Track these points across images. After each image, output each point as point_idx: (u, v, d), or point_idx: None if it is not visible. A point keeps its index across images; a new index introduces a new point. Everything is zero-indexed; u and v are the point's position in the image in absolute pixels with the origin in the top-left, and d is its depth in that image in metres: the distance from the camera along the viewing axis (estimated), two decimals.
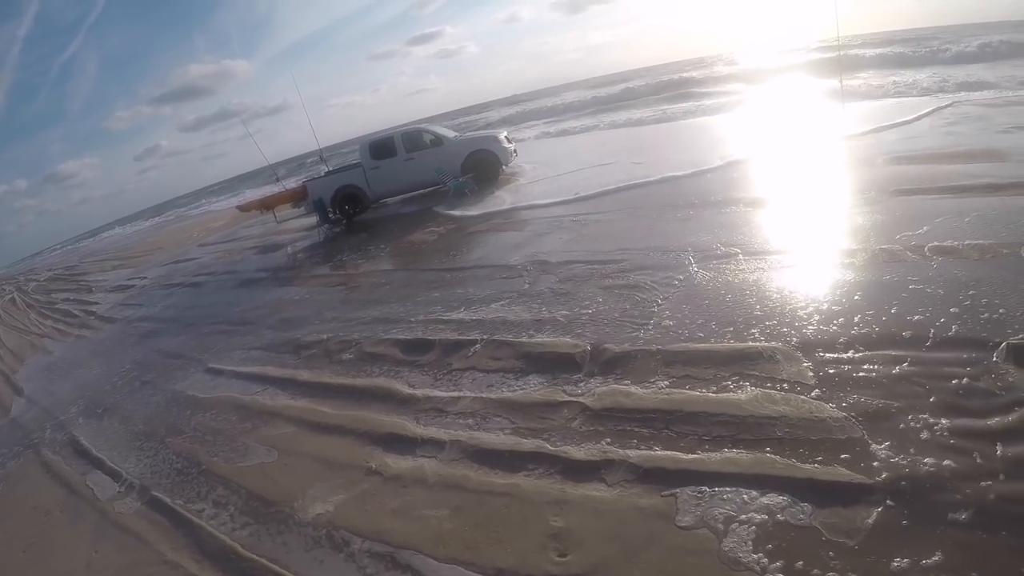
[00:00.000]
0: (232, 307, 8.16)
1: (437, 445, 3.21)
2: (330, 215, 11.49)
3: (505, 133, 11.66)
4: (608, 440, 2.66)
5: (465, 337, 4.33)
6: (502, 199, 9.16)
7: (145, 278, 14.23)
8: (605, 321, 3.88)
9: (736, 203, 5.74)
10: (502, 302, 4.85)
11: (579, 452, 2.63)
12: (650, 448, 2.53)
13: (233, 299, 8.64)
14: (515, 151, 11.37)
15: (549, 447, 2.74)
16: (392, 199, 12.45)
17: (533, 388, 3.39)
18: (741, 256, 4.32)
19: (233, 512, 3.40)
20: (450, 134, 11.74)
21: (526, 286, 5.04)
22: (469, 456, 3.01)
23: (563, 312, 4.26)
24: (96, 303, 13.09)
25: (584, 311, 4.16)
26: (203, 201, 46.23)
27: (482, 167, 11.07)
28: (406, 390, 3.88)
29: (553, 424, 2.93)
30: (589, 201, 7.42)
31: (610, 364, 3.33)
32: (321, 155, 13.51)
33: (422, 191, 12.07)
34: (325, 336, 5.36)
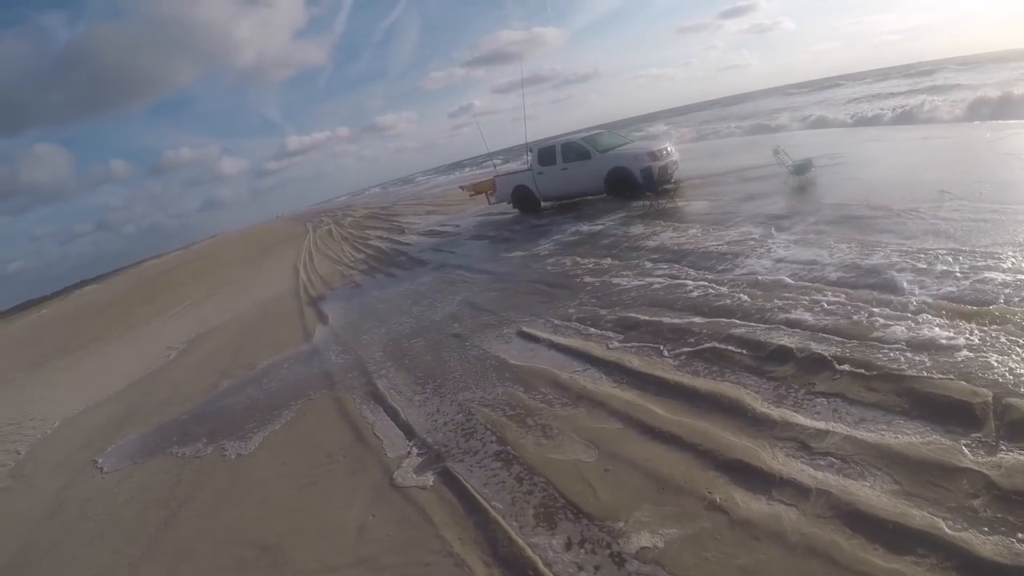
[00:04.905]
0: (549, 266, 8.08)
1: (800, 491, 2.78)
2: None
3: (668, 144, 11.46)
4: None
5: (832, 352, 3.85)
6: None
7: (458, 226, 15.54)
8: (1009, 369, 3.20)
9: None
10: (883, 320, 4.13)
11: (984, 546, 2.32)
12: None
13: (551, 258, 8.57)
14: (671, 166, 10.97)
15: (946, 529, 2.43)
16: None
17: (921, 439, 2.94)
18: None
19: (538, 512, 3.06)
20: (601, 148, 11.97)
21: (911, 305, 4.26)
22: (840, 515, 2.59)
23: (957, 348, 3.55)
24: (408, 244, 14.79)
25: (983, 352, 3.43)
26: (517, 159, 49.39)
27: (620, 188, 11.25)
28: (760, 407, 3.49)
29: (948, 496, 2.59)
30: None
31: (1020, 426, 2.82)
32: (528, 147, 13.96)
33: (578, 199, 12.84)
34: (656, 319, 5.20)
